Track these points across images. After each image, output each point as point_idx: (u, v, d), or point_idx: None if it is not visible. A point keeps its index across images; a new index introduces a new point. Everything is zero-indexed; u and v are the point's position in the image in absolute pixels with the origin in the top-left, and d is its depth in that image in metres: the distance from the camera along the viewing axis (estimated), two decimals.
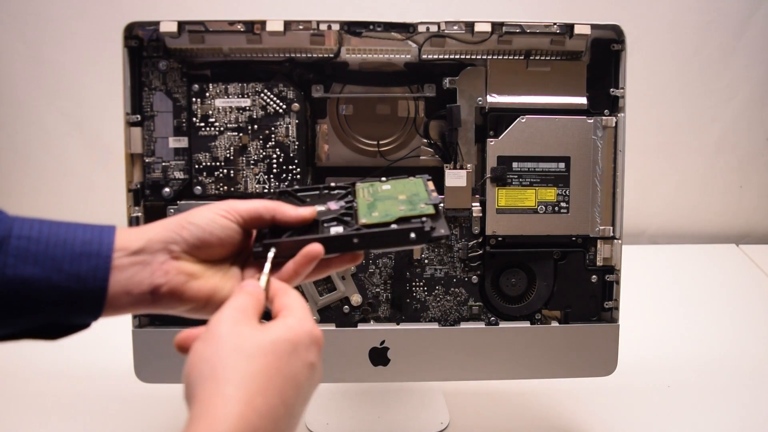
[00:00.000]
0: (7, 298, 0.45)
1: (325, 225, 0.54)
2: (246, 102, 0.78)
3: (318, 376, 0.45)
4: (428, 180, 0.59)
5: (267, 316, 0.48)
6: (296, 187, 0.60)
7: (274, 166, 0.78)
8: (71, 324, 0.48)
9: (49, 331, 0.48)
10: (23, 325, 0.47)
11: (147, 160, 0.78)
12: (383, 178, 0.60)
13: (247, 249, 0.55)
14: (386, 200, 0.56)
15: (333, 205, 0.56)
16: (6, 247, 0.45)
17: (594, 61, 0.80)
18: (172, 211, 0.78)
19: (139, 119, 0.78)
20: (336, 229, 0.53)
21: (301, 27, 0.76)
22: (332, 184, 0.60)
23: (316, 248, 0.52)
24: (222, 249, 0.53)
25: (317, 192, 0.59)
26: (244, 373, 0.41)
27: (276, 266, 0.52)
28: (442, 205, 0.55)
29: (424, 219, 0.53)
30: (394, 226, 0.53)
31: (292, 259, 0.52)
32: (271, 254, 0.52)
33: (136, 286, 0.49)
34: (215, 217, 0.52)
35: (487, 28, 0.77)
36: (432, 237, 0.52)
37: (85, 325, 0.49)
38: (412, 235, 0.52)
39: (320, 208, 0.56)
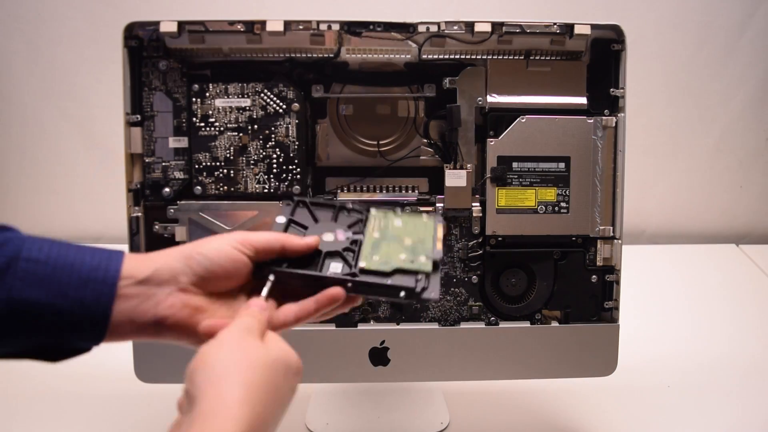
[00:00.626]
0: (10, 319, 0.45)
1: (327, 259, 0.55)
2: (246, 102, 0.78)
3: (290, 400, 0.48)
4: (440, 223, 0.60)
5: None
6: (312, 198, 0.61)
7: (274, 166, 0.78)
8: (72, 347, 0.49)
9: (50, 353, 0.48)
10: (24, 345, 0.47)
11: (147, 160, 0.78)
12: (398, 210, 0.61)
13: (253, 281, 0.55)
14: (392, 241, 0.57)
15: (341, 235, 0.57)
16: (14, 269, 0.46)
17: (594, 61, 0.80)
18: (171, 211, 0.78)
19: (139, 119, 0.78)
20: (335, 267, 0.54)
21: (301, 27, 0.76)
22: (348, 204, 0.60)
23: (337, 291, 0.53)
24: (230, 281, 0.53)
25: (332, 209, 0.60)
26: (251, 382, 0.43)
27: (287, 296, 0.54)
28: (440, 257, 0.56)
29: (419, 277, 0.54)
30: (389, 281, 0.53)
31: (314, 298, 0.53)
32: (271, 277, 0.53)
33: (140, 316, 0.49)
34: (227, 249, 0.52)
35: (487, 28, 0.77)
36: (421, 298, 0.53)
37: (86, 349, 0.49)
38: (402, 293, 0.53)
39: (328, 235, 0.57)
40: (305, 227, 0.58)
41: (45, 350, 0.48)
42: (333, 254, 0.55)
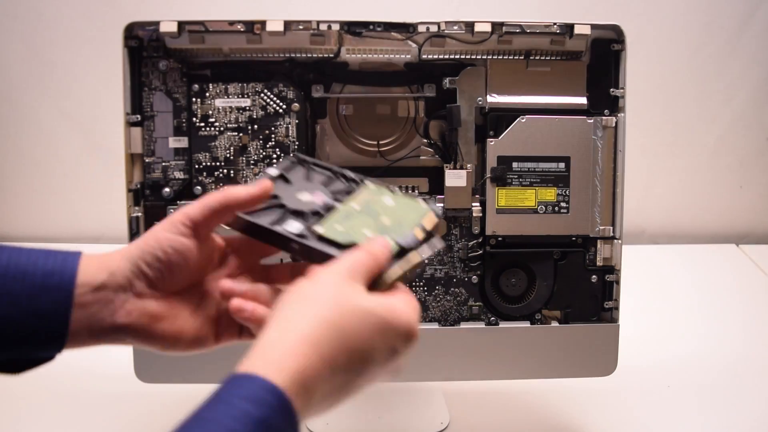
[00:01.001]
0: None
1: (290, 217, 0.52)
2: (246, 102, 0.78)
3: (395, 366, 0.44)
4: (433, 214, 0.53)
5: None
6: (314, 159, 0.58)
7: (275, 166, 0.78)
8: (33, 358, 0.46)
9: (9, 366, 0.46)
10: None
11: (147, 160, 0.78)
12: (397, 189, 0.56)
13: (220, 269, 0.52)
14: (368, 217, 0.53)
15: (319, 198, 0.54)
16: None
17: (594, 61, 0.80)
18: (171, 211, 0.78)
19: (139, 119, 0.78)
20: (290, 225, 0.51)
21: (301, 27, 0.76)
22: (348, 173, 0.57)
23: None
24: (184, 272, 0.48)
25: (329, 173, 0.57)
26: (326, 320, 0.40)
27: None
28: (410, 243, 0.50)
29: None
30: (334, 253, 0.48)
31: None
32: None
33: (97, 324, 0.46)
34: (166, 238, 0.47)
35: (487, 28, 0.77)
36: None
37: (48, 358, 0.46)
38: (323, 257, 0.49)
39: (305, 194, 0.54)
40: (291, 184, 0.55)
41: (4, 364, 0.45)
42: (297, 213, 0.52)
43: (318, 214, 0.52)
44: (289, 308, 0.42)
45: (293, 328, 0.40)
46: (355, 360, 0.41)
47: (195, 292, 0.50)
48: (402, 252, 0.50)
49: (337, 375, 0.40)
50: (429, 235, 0.52)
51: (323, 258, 0.48)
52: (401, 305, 0.45)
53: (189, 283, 0.50)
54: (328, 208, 0.53)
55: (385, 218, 0.53)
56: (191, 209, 0.48)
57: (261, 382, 0.37)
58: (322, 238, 0.50)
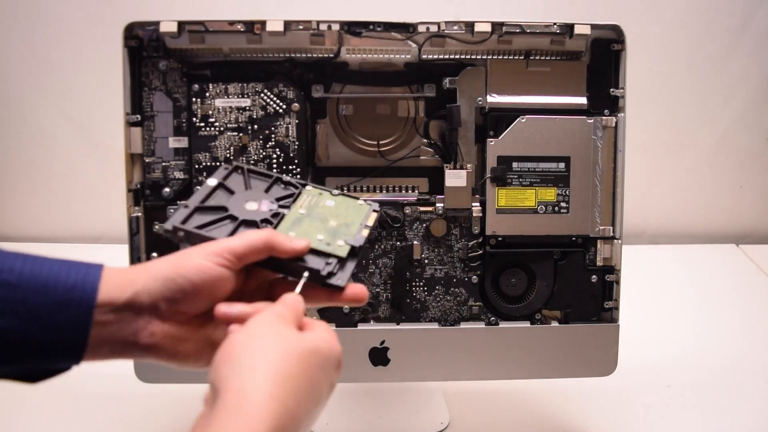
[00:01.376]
0: None
1: (242, 227, 0.53)
2: (246, 102, 0.78)
3: (328, 396, 0.45)
4: (373, 212, 0.58)
5: None
6: (251, 167, 0.59)
7: (274, 166, 0.78)
8: (49, 369, 0.46)
9: (26, 376, 0.46)
10: None
11: (147, 160, 0.78)
12: (335, 190, 0.58)
13: (240, 291, 0.52)
14: (315, 220, 0.55)
15: (265, 206, 0.55)
16: None
17: (594, 61, 0.80)
18: (171, 211, 0.78)
19: (139, 119, 0.78)
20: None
21: (301, 27, 0.76)
22: (285, 177, 0.58)
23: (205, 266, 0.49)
24: (213, 299, 0.49)
25: (268, 180, 0.58)
26: (283, 373, 0.41)
27: None
28: (360, 243, 0.54)
29: (330, 261, 0.52)
30: (311, 265, 0.51)
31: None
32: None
33: (118, 342, 0.46)
34: (207, 267, 0.47)
35: (487, 28, 0.77)
36: (326, 283, 0.51)
37: (65, 369, 0.46)
38: (306, 273, 0.51)
39: (251, 204, 0.55)
40: (232, 193, 0.56)
41: (20, 374, 0.45)
42: (249, 223, 0.53)
43: (268, 222, 0.54)
44: (237, 369, 0.41)
45: (255, 389, 0.39)
46: (311, 399, 0.42)
47: (210, 313, 0.50)
48: (353, 252, 0.53)
49: (301, 420, 0.41)
50: (371, 230, 0.56)
51: (283, 266, 0.51)
52: (328, 335, 0.46)
53: (211, 307, 0.49)
54: (276, 215, 0.55)
55: (332, 221, 0.55)
56: (235, 244, 0.49)
57: None
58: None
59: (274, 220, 0.54)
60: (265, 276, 0.53)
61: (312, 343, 0.44)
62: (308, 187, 0.58)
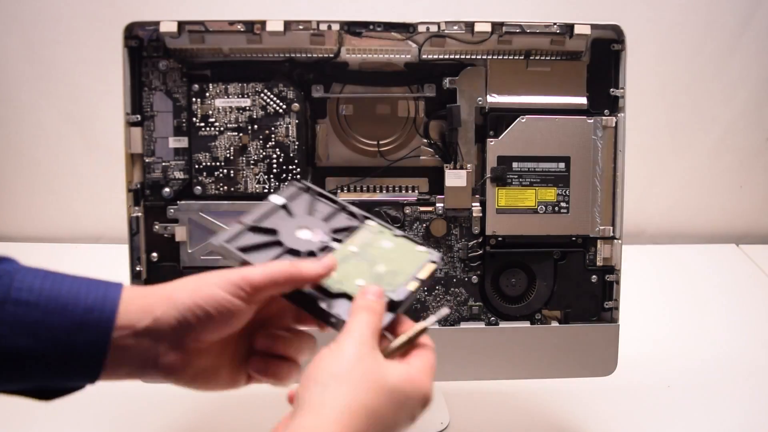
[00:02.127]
0: None
1: (287, 254, 0.51)
2: (246, 102, 0.78)
3: (406, 428, 0.45)
4: (431, 263, 0.53)
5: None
6: (320, 190, 0.57)
7: (274, 166, 0.78)
8: (64, 387, 0.46)
9: (41, 393, 0.46)
10: (12, 389, 0.44)
11: (147, 160, 0.78)
12: (398, 231, 0.55)
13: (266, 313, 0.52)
14: (363, 262, 0.52)
15: (318, 236, 0.53)
16: (2, 314, 0.42)
17: (594, 61, 0.80)
18: (171, 211, 0.78)
19: (139, 119, 0.78)
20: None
21: (301, 27, 0.76)
22: (351, 208, 0.57)
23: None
24: (232, 327, 0.48)
25: (333, 207, 0.57)
26: (359, 406, 0.41)
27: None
28: (403, 297, 0.49)
29: None
30: (322, 304, 0.48)
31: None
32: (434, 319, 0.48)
33: (136, 365, 0.46)
34: (222, 298, 0.46)
35: (487, 28, 0.77)
36: (335, 327, 0.48)
37: (80, 387, 0.46)
38: (332, 320, 0.48)
39: (305, 232, 0.53)
40: (292, 215, 0.55)
41: (34, 391, 0.45)
42: (294, 252, 0.52)
43: (313, 255, 0.52)
44: (321, 389, 0.42)
45: (329, 414, 0.41)
46: (380, 428, 0.42)
47: (230, 338, 0.50)
48: (392, 306, 0.49)
49: None
50: (423, 284, 0.52)
51: (311, 307, 0.49)
52: (420, 374, 0.46)
53: (230, 332, 0.49)
54: (325, 248, 0.53)
55: (380, 265, 0.52)
56: (254, 276, 0.47)
57: None
58: (316, 287, 0.49)
59: (320, 254, 0.52)
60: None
61: (397, 378, 0.44)
62: (370, 223, 0.56)
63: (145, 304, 0.46)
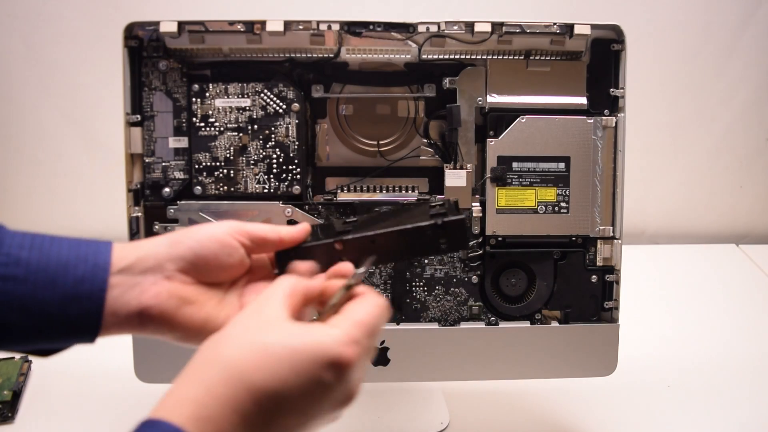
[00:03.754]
0: None
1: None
2: (246, 102, 0.78)
3: (334, 399, 0.41)
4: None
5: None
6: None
7: (274, 166, 0.78)
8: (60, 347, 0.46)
9: (39, 352, 0.46)
10: (7, 350, 0.45)
11: (147, 160, 0.78)
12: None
13: (246, 274, 0.52)
14: None
15: None
16: None
17: (594, 61, 0.80)
18: (171, 211, 0.78)
19: (139, 119, 0.78)
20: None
21: (301, 27, 0.76)
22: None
23: (347, 267, 0.49)
24: (222, 271, 0.49)
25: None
26: (222, 365, 0.38)
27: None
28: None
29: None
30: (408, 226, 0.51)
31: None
32: (372, 259, 0.50)
33: (122, 307, 0.45)
34: (219, 235, 0.48)
35: (487, 28, 0.77)
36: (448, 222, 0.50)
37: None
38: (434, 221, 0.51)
39: None
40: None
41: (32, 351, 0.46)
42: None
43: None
44: (198, 354, 0.41)
45: (192, 374, 0.39)
46: (268, 403, 0.38)
47: (220, 289, 0.50)
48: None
49: (251, 422, 0.38)
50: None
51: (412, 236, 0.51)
52: (323, 329, 0.40)
53: (220, 281, 0.50)
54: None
55: None
56: (251, 227, 0.50)
57: (165, 426, 0.37)
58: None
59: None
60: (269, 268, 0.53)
61: (283, 335, 0.39)
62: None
63: (131, 247, 0.47)
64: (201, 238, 0.48)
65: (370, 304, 0.43)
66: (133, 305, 0.45)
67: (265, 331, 0.39)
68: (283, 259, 0.52)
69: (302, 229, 0.52)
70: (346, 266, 0.48)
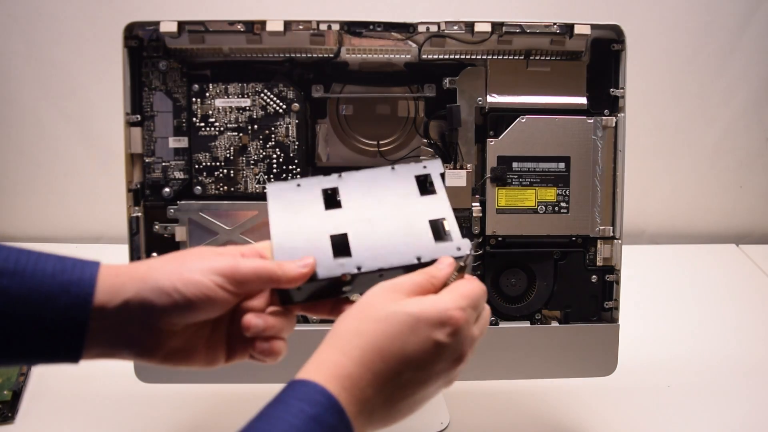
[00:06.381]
0: None
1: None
2: (246, 102, 0.78)
3: (448, 357, 0.46)
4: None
5: None
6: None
7: (274, 166, 0.78)
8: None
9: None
10: None
11: (147, 160, 0.78)
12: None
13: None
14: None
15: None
16: None
17: (594, 61, 0.80)
18: (171, 211, 0.78)
19: (139, 119, 0.78)
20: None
21: (301, 27, 0.76)
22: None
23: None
24: (210, 313, 0.47)
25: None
26: (358, 334, 0.44)
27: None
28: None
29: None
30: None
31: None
32: (470, 251, 0.51)
33: (108, 346, 0.45)
34: (205, 286, 0.46)
35: (487, 28, 0.77)
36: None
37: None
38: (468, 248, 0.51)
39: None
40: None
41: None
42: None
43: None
44: (337, 325, 0.46)
45: (329, 343, 0.45)
46: (394, 361, 0.44)
47: (206, 320, 0.49)
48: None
49: (383, 384, 0.44)
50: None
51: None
52: (435, 297, 0.46)
53: (208, 318, 0.48)
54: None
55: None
56: (244, 269, 0.47)
57: (313, 385, 0.42)
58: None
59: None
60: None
61: (400, 305, 0.45)
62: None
63: (117, 284, 0.45)
64: (189, 294, 0.45)
65: (473, 283, 0.49)
66: (120, 346, 0.46)
67: (387, 304, 0.46)
68: (283, 293, 0.50)
69: (307, 265, 0.49)
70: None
